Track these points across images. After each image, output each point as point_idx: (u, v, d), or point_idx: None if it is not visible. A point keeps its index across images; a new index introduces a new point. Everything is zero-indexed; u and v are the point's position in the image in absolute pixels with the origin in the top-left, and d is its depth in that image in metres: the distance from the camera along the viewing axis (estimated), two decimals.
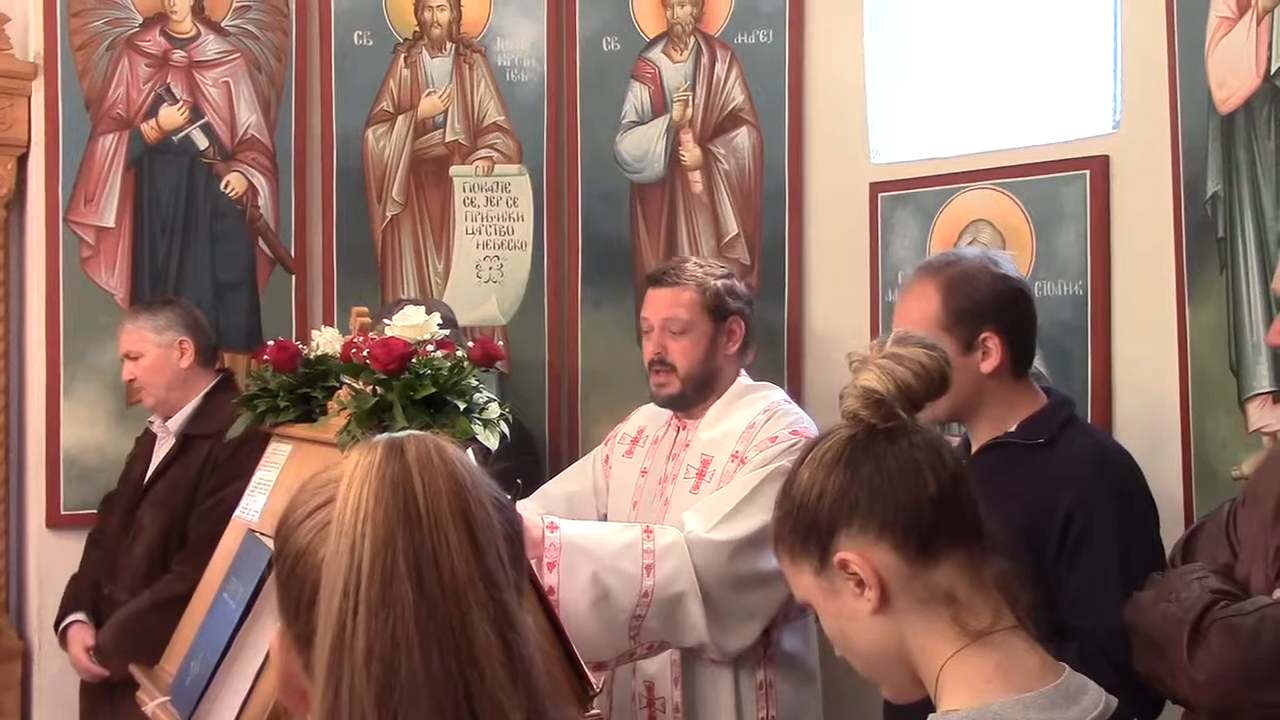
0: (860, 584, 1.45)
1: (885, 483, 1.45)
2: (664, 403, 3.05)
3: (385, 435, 1.05)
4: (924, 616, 1.44)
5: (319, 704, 0.98)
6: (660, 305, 3.01)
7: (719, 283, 3.01)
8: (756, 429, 2.86)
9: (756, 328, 3.25)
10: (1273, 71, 2.50)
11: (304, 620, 1.04)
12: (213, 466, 3.46)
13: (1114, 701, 1.43)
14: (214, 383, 3.63)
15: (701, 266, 3.05)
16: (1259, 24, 2.53)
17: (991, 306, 2.43)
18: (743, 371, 3.07)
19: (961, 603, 1.43)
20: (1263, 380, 2.52)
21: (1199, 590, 1.87)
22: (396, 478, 1.00)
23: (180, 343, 3.56)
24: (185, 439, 3.53)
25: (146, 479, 3.56)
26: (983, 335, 2.42)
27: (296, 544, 1.06)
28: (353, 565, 0.98)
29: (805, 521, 1.49)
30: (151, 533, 3.47)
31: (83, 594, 3.60)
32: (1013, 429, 2.44)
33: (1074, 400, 2.58)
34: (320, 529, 1.05)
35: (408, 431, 1.07)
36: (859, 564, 1.44)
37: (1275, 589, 1.82)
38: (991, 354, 2.42)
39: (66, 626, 3.55)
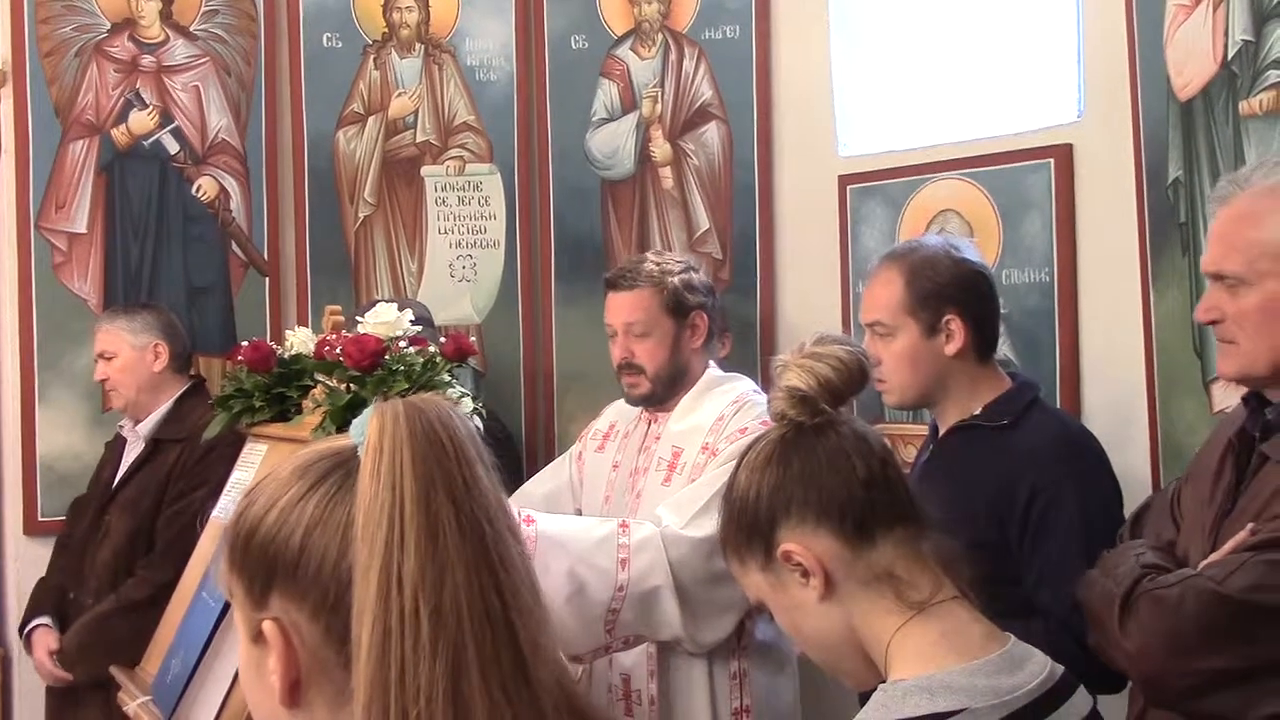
0: (805, 573, 1.50)
1: (817, 473, 1.51)
2: (636, 402, 3.05)
3: (395, 399, 1.13)
4: (868, 597, 1.49)
5: (366, 636, 1.03)
6: (620, 310, 3.00)
7: (677, 279, 2.98)
8: (726, 421, 2.86)
9: (725, 316, 3.26)
10: (1229, 58, 2.54)
11: (325, 581, 1.10)
12: (181, 471, 3.47)
13: (1059, 669, 1.47)
14: (185, 389, 3.64)
15: (659, 264, 3.01)
16: (1215, 11, 2.57)
17: (953, 289, 2.49)
18: (711, 363, 3.06)
19: (902, 579, 1.48)
20: None
21: (1132, 564, 1.91)
22: (423, 425, 1.08)
23: (155, 346, 3.58)
24: (155, 443, 3.54)
25: (115, 483, 3.57)
26: (946, 318, 2.48)
27: (302, 521, 1.11)
28: (395, 500, 1.05)
29: (747, 522, 1.55)
30: (119, 536, 3.48)
31: (48, 598, 3.61)
32: (978, 411, 2.50)
33: (1038, 384, 2.62)
34: (329, 498, 1.12)
35: (413, 396, 1.15)
36: (801, 553, 1.49)
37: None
38: (955, 336, 2.48)
39: (31, 630, 3.55)
